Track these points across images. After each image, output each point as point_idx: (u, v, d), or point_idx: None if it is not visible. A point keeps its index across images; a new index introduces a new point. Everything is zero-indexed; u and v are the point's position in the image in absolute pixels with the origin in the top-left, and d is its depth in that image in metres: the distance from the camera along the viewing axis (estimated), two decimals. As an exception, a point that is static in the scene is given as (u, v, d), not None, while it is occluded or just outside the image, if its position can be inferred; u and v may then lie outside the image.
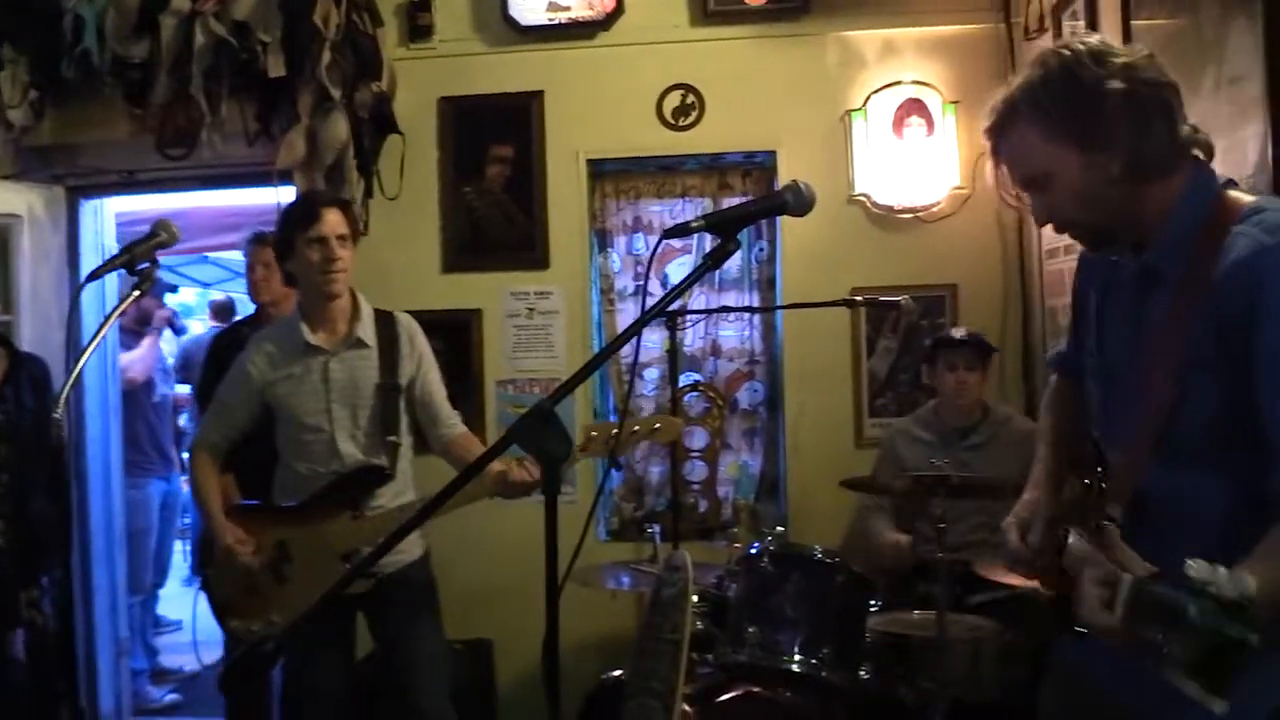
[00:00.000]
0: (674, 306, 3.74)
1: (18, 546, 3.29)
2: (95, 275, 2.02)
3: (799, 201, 1.55)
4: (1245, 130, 2.21)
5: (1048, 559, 1.61)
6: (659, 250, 3.97)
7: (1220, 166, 2.21)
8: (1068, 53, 1.46)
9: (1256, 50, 2.15)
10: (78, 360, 1.85)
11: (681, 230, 1.53)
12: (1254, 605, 1.09)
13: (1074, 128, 1.45)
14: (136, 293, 1.99)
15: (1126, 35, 2.77)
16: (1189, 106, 2.33)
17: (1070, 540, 1.48)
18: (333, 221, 2.74)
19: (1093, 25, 3.04)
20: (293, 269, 2.79)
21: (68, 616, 3.63)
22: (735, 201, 4.04)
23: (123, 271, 2.03)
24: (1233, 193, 1.48)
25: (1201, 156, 1.51)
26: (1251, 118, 2.18)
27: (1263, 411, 1.34)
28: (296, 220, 2.77)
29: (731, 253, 1.53)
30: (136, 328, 4.68)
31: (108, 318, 1.95)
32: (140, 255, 1.98)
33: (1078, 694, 1.66)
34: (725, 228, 1.53)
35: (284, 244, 2.78)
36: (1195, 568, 1.12)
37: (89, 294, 3.99)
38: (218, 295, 6.43)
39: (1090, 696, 1.60)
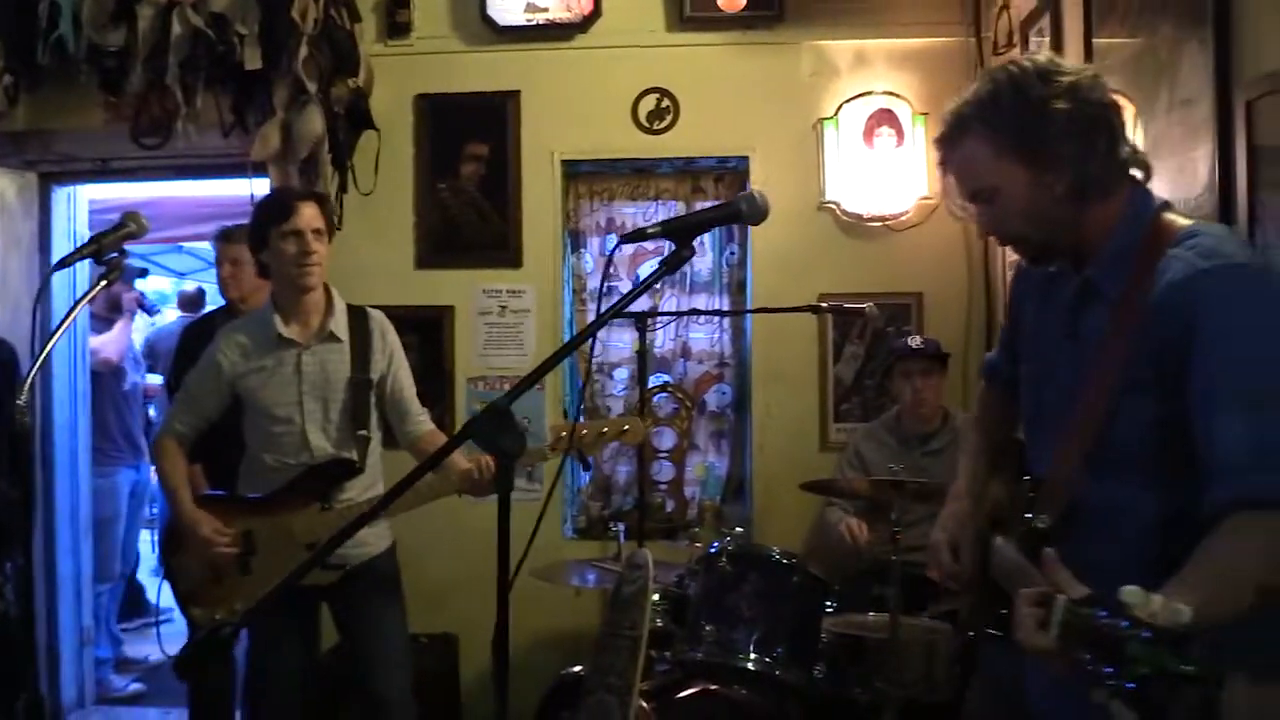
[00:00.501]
0: (643, 308, 3.82)
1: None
2: (63, 264, 2.04)
3: (753, 210, 1.58)
4: (1195, 151, 2.27)
5: (974, 569, 1.66)
6: (625, 252, 4.03)
7: (1171, 186, 2.29)
8: (1017, 70, 1.51)
9: (1207, 73, 2.21)
10: (43, 347, 1.87)
11: (638, 236, 1.57)
12: (1191, 636, 1.11)
13: (1021, 145, 1.49)
14: (104, 282, 2.01)
15: (1088, 52, 2.83)
16: (1146, 125, 2.41)
17: (997, 546, 1.52)
18: (308, 215, 2.75)
19: (1057, 41, 3.10)
20: (267, 260, 2.80)
21: (29, 603, 3.63)
22: (708, 206, 4.10)
23: (92, 260, 2.07)
24: (1169, 215, 1.53)
25: (1140, 177, 1.56)
26: (1201, 138, 2.24)
27: (1196, 432, 1.38)
28: (272, 213, 2.78)
29: (687, 259, 1.57)
30: (107, 314, 4.66)
31: (75, 305, 1.97)
32: (109, 245, 2.01)
33: (1008, 707, 1.71)
34: (681, 234, 1.56)
35: (259, 236, 2.79)
36: (1129, 593, 1.14)
37: (58, 281, 4.00)
38: (189, 285, 6.40)
39: (1018, 712, 1.64)
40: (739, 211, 1.60)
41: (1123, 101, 2.34)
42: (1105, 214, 1.52)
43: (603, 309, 3.99)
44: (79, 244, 2.29)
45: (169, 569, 3.10)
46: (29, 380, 1.76)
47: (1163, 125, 2.41)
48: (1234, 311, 1.38)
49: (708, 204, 4.05)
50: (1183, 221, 1.51)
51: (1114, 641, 1.11)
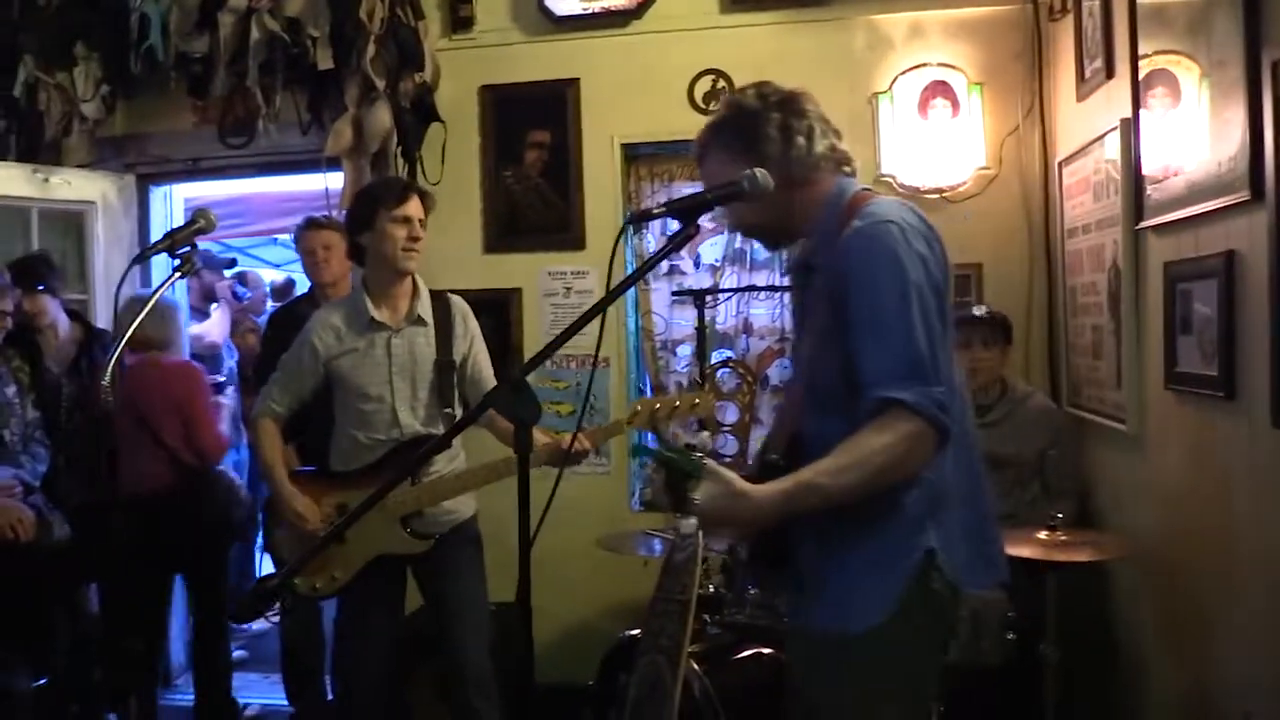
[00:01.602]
0: (702, 287, 3.92)
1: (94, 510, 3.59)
2: (140, 258, 2.23)
3: (755, 188, 1.68)
4: (1228, 112, 2.25)
5: None
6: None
7: (1211, 148, 2.30)
8: (740, 95, 1.93)
9: (1238, 34, 2.19)
10: (124, 334, 2.06)
11: (644, 217, 1.69)
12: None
13: (743, 148, 1.86)
14: (178, 273, 2.19)
15: (1133, 16, 2.81)
16: (1188, 86, 2.42)
17: None
18: (416, 205, 2.93)
19: (1106, 5, 3.08)
20: (367, 243, 2.94)
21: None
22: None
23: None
24: (863, 193, 1.87)
25: (846, 170, 1.92)
26: (1233, 100, 2.22)
27: (854, 358, 1.71)
28: (385, 197, 2.92)
29: (691, 237, 1.67)
30: (202, 305, 4.98)
31: (152, 295, 2.15)
32: (181, 240, 2.19)
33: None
34: (686, 214, 1.67)
35: (365, 218, 2.92)
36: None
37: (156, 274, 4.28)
38: (279, 276, 6.73)
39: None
40: (741, 190, 1.69)
41: (1184, 60, 2.41)
42: (812, 198, 1.88)
43: (670, 286, 4.15)
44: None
45: (270, 541, 3.31)
46: (110, 364, 1.95)
47: (1203, 87, 2.40)
48: (870, 256, 1.73)
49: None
50: (872, 198, 1.85)
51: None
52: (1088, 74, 3.28)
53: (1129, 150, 2.86)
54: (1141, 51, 2.76)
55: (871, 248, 1.73)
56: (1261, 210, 2.11)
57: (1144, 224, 2.81)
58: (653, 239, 4.22)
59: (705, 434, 1.50)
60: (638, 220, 1.74)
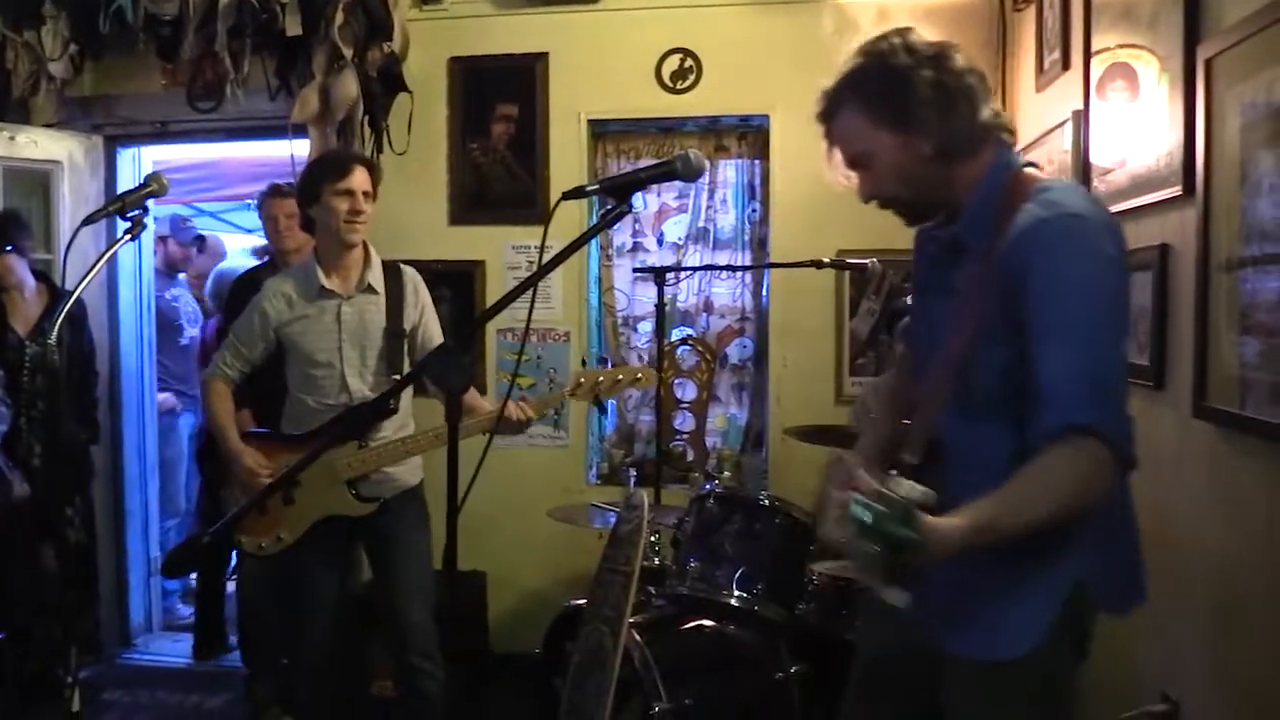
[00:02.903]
0: (667, 264, 3.95)
1: (52, 468, 3.62)
2: (90, 220, 2.24)
3: (688, 169, 1.70)
4: (1169, 109, 2.30)
5: None
6: (650, 209, 4.16)
7: (1151, 142, 2.34)
8: (885, 45, 1.64)
9: (1179, 29, 2.23)
10: (72, 294, 2.08)
11: (577, 194, 1.71)
12: (918, 510, 1.37)
13: (889, 112, 1.62)
14: (127, 236, 2.22)
15: (1088, 9, 2.85)
16: (1142, 81, 2.45)
17: (844, 461, 1.68)
18: (360, 177, 2.95)
19: (1065, 1, 3.11)
20: (315, 215, 2.99)
21: (95, 534, 3.96)
22: (731, 163, 4.19)
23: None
24: (1030, 171, 1.65)
25: (1007, 138, 1.69)
26: (1173, 95, 2.27)
27: (1030, 370, 1.50)
28: (328, 171, 2.96)
29: (625, 214, 1.71)
30: (169, 272, 5.00)
31: (99, 259, 2.18)
32: (131, 203, 2.21)
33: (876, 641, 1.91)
34: (619, 192, 1.70)
35: (311, 191, 2.97)
36: (895, 482, 1.37)
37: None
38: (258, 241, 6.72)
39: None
40: (674, 170, 1.71)
41: (1144, 54, 2.43)
42: (971, 172, 1.65)
43: (633, 262, 4.18)
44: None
45: (221, 501, 3.35)
46: (57, 324, 1.97)
47: (1161, 81, 2.44)
48: (1060, 252, 1.51)
49: (730, 161, 4.16)
50: (1041, 178, 1.63)
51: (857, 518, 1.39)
52: (1046, 65, 3.32)
53: (1078, 141, 2.90)
54: (1100, 45, 2.79)
55: (1063, 245, 1.51)
56: (1192, 206, 2.16)
57: (1089, 215, 2.85)
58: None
59: (916, 486, 1.42)
60: (571, 196, 1.73)
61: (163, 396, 4.97)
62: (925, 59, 1.60)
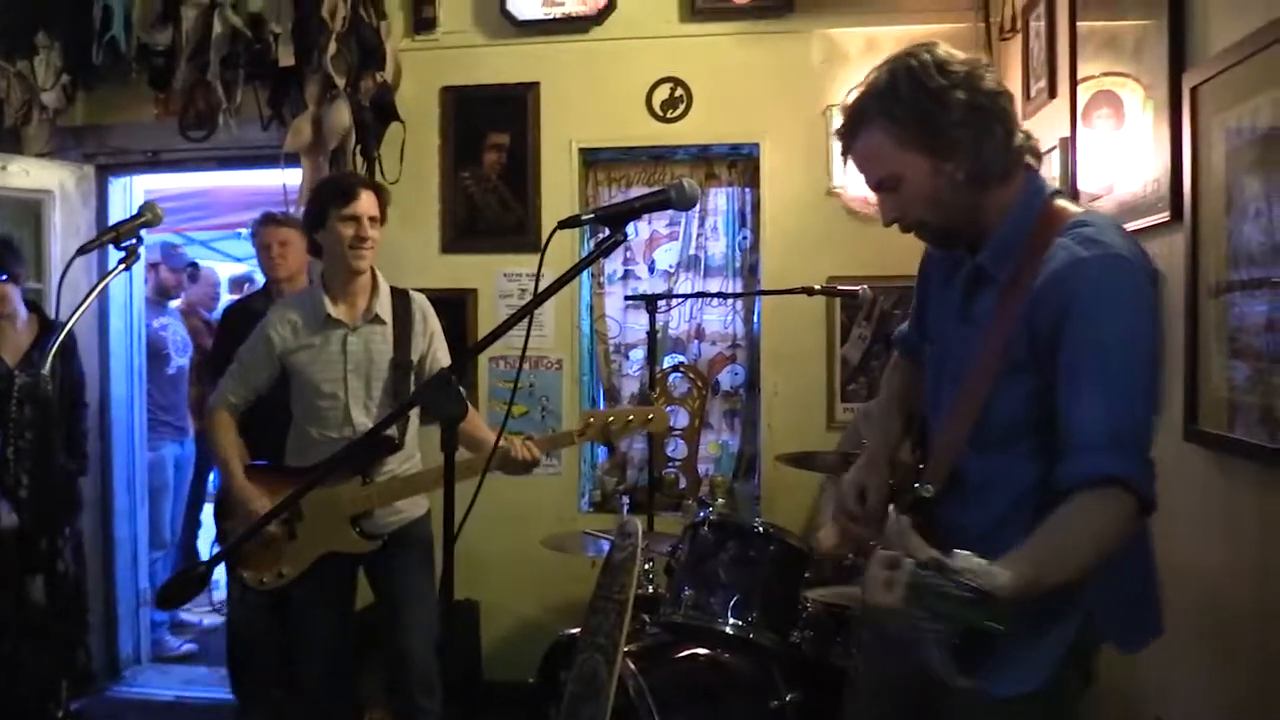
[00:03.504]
0: (658, 291, 3.97)
1: (41, 499, 3.59)
2: (85, 249, 2.24)
3: (682, 198, 1.71)
4: (1156, 136, 2.33)
5: (875, 529, 1.77)
6: (641, 237, 4.18)
7: (1138, 169, 2.36)
8: (915, 62, 1.56)
9: (1164, 58, 2.27)
10: (65, 325, 2.08)
11: (573, 222, 1.72)
12: (1002, 598, 1.26)
13: (922, 135, 1.54)
14: (122, 266, 2.22)
15: (1073, 39, 2.89)
16: (1128, 109, 2.48)
17: (889, 517, 1.62)
18: (367, 203, 2.92)
19: (1050, 26, 3.16)
20: (321, 241, 2.96)
21: (85, 565, 3.93)
22: (722, 191, 4.22)
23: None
24: (1060, 202, 1.60)
25: (1034, 163, 1.63)
26: (1160, 123, 2.30)
27: (1059, 410, 1.47)
28: (333, 196, 2.93)
29: (620, 243, 1.71)
30: (160, 299, 4.99)
31: (93, 289, 2.18)
32: (125, 232, 2.21)
33: (877, 670, 1.87)
34: (614, 220, 1.71)
35: (318, 216, 2.94)
36: (961, 557, 1.27)
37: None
38: (238, 270, 6.74)
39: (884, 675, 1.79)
40: (669, 199, 1.72)
41: (1129, 82, 2.45)
42: (1002, 199, 1.59)
43: (625, 290, 4.19)
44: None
45: (221, 532, 3.32)
46: (51, 355, 1.97)
47: (1146, 108, 2.47)
48: (1103, 298, 1.46)
49: (721, 189, 4.19)
50: (1073, 209, 1.58)
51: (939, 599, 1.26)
52: (1032, 93, 3.36)
53: (1066, 168, 2.94)
54: (1085, 73, 2.84)
55: (1106, 287, 1.46)
56: (1179, 231, 2.19)
57: (1078, 240, 2.88)
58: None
59: (975, 559, 1.32)
60: (567, 225, 1.72)
61: None
62: (959, 78, 1.52)
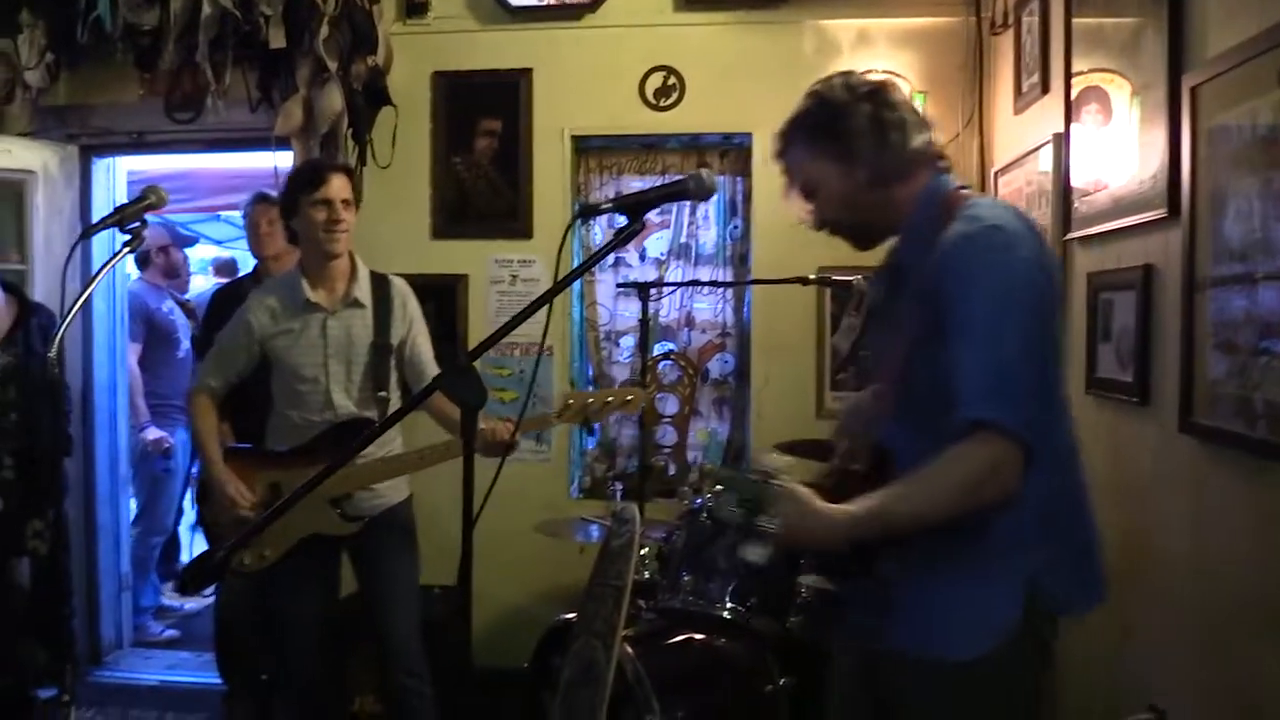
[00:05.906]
0: (646, 280, 3.98)
1: (25, 481, 3.55)
2: (88, 233, 2.23)
3: (700, 188, 1.73)
4: (1151, 133, 2.37)
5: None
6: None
7: (1136, 168, 2.41)
8: (824, 86, 1.82)
9: (1162, 58, 2.30)
10: (71, 309, 2.06)
11: (592, 210, 1.74)
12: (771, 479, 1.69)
13: (828, 143, 1.78)
14: (126, 249, 2.20)
15: (1068, 35, 2.93)
16: (1115, 105, 2.52)
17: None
18: (337, 186, 2.93)
19: (1045, 21, 3.19)
20: (297, 227, 2.98)
21: (69, 550, 3.89)
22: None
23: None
24: (964, 192, 1.80)
25: (941, 165, 1.83)
26: (1156, 121, 2.33)
27: (949, 369, 1.62)
28: (303, 182, 2.95)
29: (637, 233, 1.73)
30: (167, 280, 5.01)
31: (98, 271, 2.16)
32: (130, 215, 2.19)
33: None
34: (632, 210, 1.72)
35: (290, 203, 2.97)
36: (770, 456, 1.62)
37: (99, 248, 4.24)
38: (223, 253, 6.67)
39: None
40: (686, 189, 1.74)
41: (1116, 79, 2.52)
42: (907, 195, 1.80)
43: (616, 278, 4.21)
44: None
45: (202, 516, 3.32)
46: (58, 338, 1.96)
47: (1133, 105, 2.51)
48: (972, 260, 1.64)
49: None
50: (970, 197, 1.78)
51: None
52: (1025, 88, 3.40)
53: (1059, 164, 2.98)
54: (1076, 69, 2.88)
55: (972, 254, 1.64)
56: (1177, 228, 2.23)
57: (1071, 235, 2.93)
58: (599, 231, 4.28)
59: (781, 457, 1.56)
60: (587, 214, 1.76)
61: (153, 436, 4.92)
62: (862, 95, 1.77)
